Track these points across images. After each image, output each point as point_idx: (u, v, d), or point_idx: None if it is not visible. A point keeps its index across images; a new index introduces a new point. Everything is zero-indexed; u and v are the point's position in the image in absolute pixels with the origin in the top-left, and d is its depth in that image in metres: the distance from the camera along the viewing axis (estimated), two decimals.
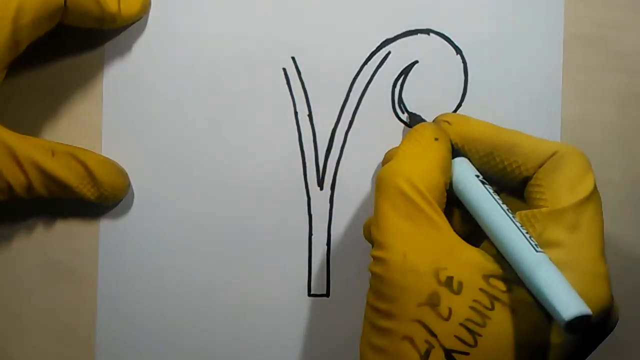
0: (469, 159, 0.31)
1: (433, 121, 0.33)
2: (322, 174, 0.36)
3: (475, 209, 0.30)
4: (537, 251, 0.27)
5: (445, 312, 0.27)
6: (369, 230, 0.34)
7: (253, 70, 0.36)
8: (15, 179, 0.32)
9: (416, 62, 0.36)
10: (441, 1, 0.36)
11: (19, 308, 0.36)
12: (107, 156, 0.35)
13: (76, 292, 0.36)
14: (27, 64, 0.35)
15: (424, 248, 0.28)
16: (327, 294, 0.36)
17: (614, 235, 0.36)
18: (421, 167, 0.30)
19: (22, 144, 0.32)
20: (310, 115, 0.36)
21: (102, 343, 0.36)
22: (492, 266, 0.28)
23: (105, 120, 0.36)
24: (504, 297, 0.27)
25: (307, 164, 0.36)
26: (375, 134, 0.36)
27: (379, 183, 0.30)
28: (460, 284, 0.27)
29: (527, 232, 0.28)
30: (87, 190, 0.34)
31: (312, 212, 0.36)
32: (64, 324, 0.36)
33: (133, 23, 0.36)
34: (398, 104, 0.36)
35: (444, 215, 0.29)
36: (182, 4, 0.36)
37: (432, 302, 0.27)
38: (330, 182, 0.36)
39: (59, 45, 0.35)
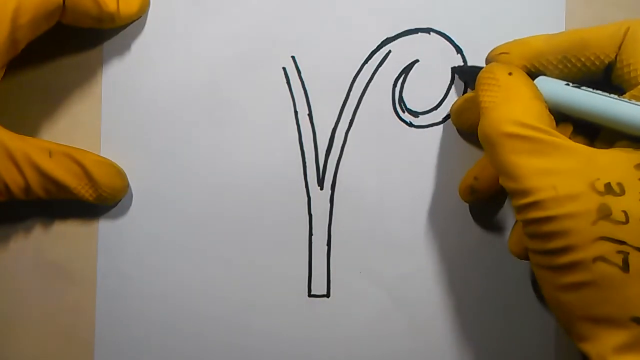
0: (545, 74, 0.31)
1: (488, 61, 0.33)
2: (322, 173, 0.36)
3: (589, 112, 0.29)
4: None
5: (621, 217, 0.26)
6: (458, 113, 0.34)
7: (253, 70, 0.36)
8: (13, 180, 0.32)
9: (417, 61, 0.36)
10: (442, 0, 0.36)
11: (18, 309, 0.36)
12: (105, 156, 0.35)
13: (75, 293, 0.36)
14: (26, 64, 0.35)
15: (567, 171, 0.27)
16: (327, 294, 0.36)
17: None
18: (517, 104, 0.29)
19: (19, 144, 0.32)
20: (310, 115, 0.36)
21: (101, 344, 0.36)
22: (636, 154, 0.28)
23: (104, 120, 0.36)
24: None
25: (307, 164, 0.36)
26: (376, 133, 0.36)
27: (486, 139, 0.29)
28: (620, 185, 0.27)
29: None
30: (85, 192, 0.33)
31: (312, 212, 0.36)
32: (63, 325, 0.36)
33: (132, 22, 0.36)
34: (398, 103, 0.36)
35: (563, 135, 0.28)
36: (181, 4, 0.36)
37: (605, 214, 0.26)
38: (330, 182, 0.36)
39: (57, 45, 0.35)
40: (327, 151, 0.36)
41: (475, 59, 0.36)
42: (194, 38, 0.36)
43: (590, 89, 0.30)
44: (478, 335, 0.36)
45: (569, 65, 0.31)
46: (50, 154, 0.32)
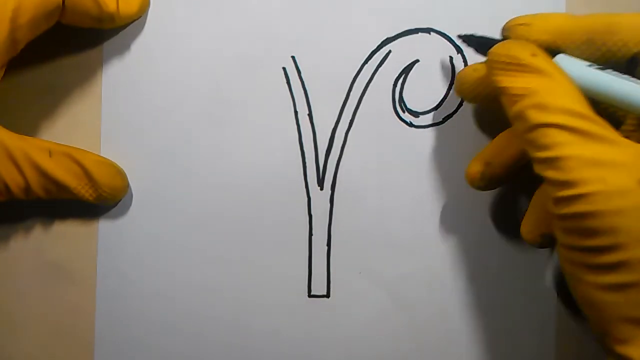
0: (564, 53, 0.30)
1: (505, 30, 0.31)
2: (322, 174, 0.36)
3: (617, 98, 0.28)
4: None
5: None
6: (463, 83, 0.32)
7: (253, 70, 0.36)
8: (13, 180, 0.32)
9: (417, 61, 0.36)
10: (442, 0, 0.36)
11: (18, 309, 0.36)
12: (105, 156, 0.35)
13: (75, 293, 0.36)
14: (25, 63, 0.35)
15: (617, 165, 0.26)
16: (327, 295, 0.36)
17: None
18: (559, 91, 0.28)
19: (19, 144, 0.32)
20: (310, 115, 0.36)
21: (101, 344, 0.36)
22: None
23: (104, 120, 0.36)
24: None
25: (307, 164, 0.36)
26: (376, 133, 0.36)
27: (529, 129, 0.27)
28: None
29: None
30: (85, 191, 0.33)
31: (312, 212, 0.36)
32: (63, 325, 0.36)
33: (132, 22, 0.36)
34: (398, 103, 0.36)
35: (609, 125, 0.27)
36: (181, 3, 0.36)
37: None
38: (330, 182, 0.36)
39: (57, 45, 0.35)
40: (327, 151, 0.36)
41: (476, 59, 0.35)
42: (194, 38, 0.36)
43: (616, 74, 0.28)
44: (478, 335, 0.36)
45: (592, 49, 0.29)
46: (51, 154, 0.32)
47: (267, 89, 0.36)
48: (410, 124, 0.36)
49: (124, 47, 0.36)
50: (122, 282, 0.36)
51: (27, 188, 0.32)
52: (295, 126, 0.36)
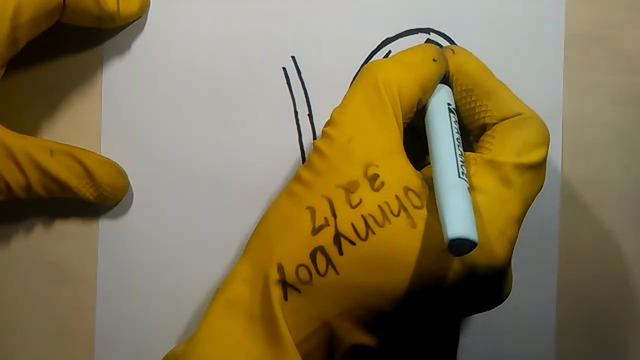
0: (452, 90, 0.32)
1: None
2: None
3: (429, 130, 0.30)
4: (459, 177, 0.27)
5: (355, 201, 0.28)
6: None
7: (253, 70, 0.36)
8: (14, 178, 0.32)
9: None
10: (442, 0, 0.36)
11: (18, 309, 0.36)
12: (106, 156, 0.35)
13: (75, 293, 0.36)
14: (26, 63, 0.35)
15: (369, 142, 0.29)
16: None
17: (615, 235, 0.36)
18: (406, 75, 0.30)
19: (20, 143, 0.32)
20: (310, 115, 0.36)
21: (101, 344, 0.36)
22: (417, 182, 0.29)
23: (105, 120, 0.36)
24: (413, 211, 0.28)
25: None
26: None
27: (363, 72, 0.31)
28: (382, 184, 0.28)
29: (462, 161, 0.28)
30: (86, 191, 0.33)
31: None
32: (63, 325, 0.36)
33: (132, 22, 0.36)
34: None
35: (401, 123, 0.30)
36: (181, 3, 0.36)
37: (349, 188, 0.28)
38: None
39: (57, 44, 0.35)
40: None
41: None
42: (194, 38, 0.36)
43: (452, 120, 0.30)
44: (478, 334, 0.36)
45: (468, 99, 0.31)
46: (52, 153, 0.32)
47: (267, 89, 0.36)
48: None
49: (124, 47, 0.36)
50: (123, 282, 0.36)
51: (28, 187, 0.32)
52: (295, 126, 0.36)
